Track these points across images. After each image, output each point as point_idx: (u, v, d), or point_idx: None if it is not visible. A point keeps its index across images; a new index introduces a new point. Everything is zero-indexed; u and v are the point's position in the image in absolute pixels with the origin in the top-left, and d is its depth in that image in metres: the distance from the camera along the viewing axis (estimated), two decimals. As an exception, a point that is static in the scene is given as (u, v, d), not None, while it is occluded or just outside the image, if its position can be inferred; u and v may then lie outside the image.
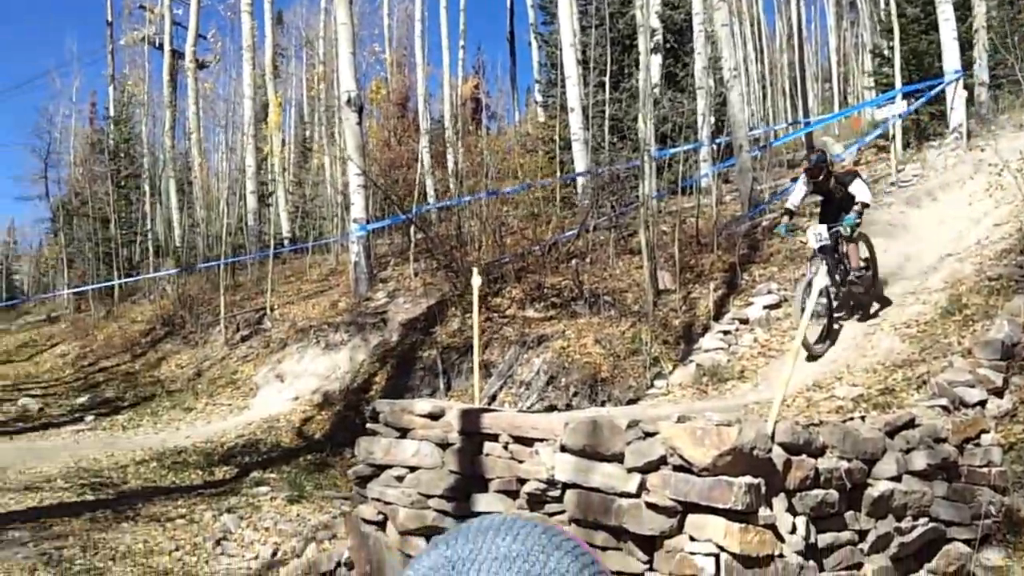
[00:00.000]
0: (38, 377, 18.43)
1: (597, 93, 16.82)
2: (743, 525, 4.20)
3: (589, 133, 16.41)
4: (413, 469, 5.95)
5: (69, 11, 75.70)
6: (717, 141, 15.80)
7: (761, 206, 13.14)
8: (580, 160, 16.26)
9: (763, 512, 4.28)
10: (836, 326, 8.89)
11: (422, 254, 15.20)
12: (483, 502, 5.51)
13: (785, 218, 9.17)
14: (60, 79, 47.34)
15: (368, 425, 6.55)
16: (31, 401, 14.95)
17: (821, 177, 8.79)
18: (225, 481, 9.66)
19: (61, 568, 6.70)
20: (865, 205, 8.72)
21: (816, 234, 8.55)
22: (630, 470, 4.62)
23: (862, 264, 8.90)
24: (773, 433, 4.51)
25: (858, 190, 8.63)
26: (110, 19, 31.21)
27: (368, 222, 15.49)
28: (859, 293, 8.94)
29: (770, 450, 4.43)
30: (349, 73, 15.64)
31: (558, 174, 16.91)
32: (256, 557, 7.28)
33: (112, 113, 30.94)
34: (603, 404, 8.67)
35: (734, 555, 4.18)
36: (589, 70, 16.95)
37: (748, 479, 4.23)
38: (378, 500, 6.17)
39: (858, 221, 8.64)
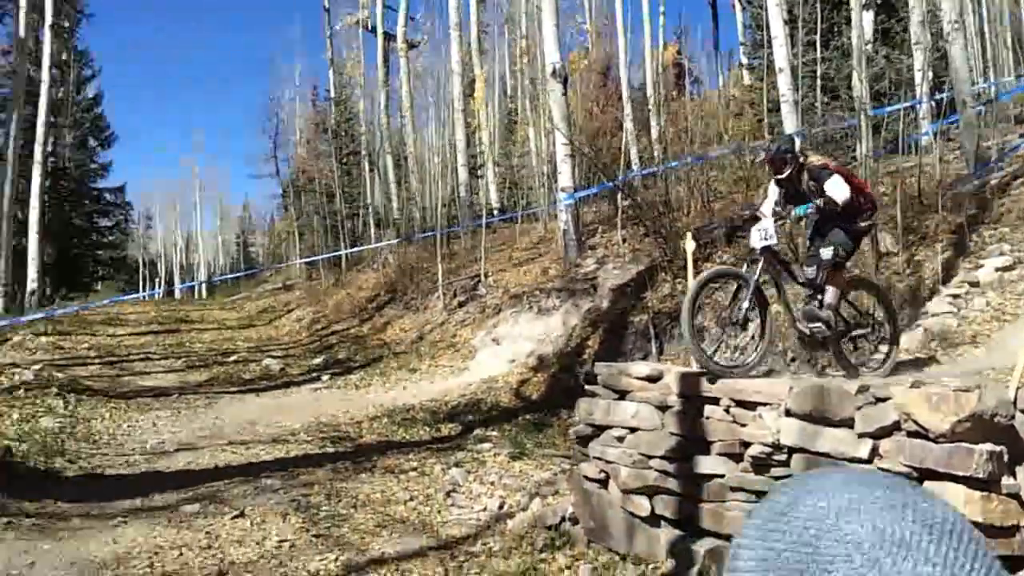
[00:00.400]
0: (278, 340, 19.89)
1: (806, 53, 16.19)
2: (985, 494, 4.11)
3: (799, 94, 15.85)
4: (633, 430, 6.08)
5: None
6: (937, 97, 14.84)
7: (988, 163, 12.30)
8: (789, 122, 15.74)
9: (1006, 481, 4.16)
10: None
11: (629, 221, 15.25)
12: (706, 464, 5.59)
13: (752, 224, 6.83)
14: (284, 65, 51.27)
15: (586, 387, 6.71)
16: (273, 362, 15.95)
17: (787, 172, 6.50)
18: (450, 437, 10.02)
19: (309, 513, 7.11)
20: (833, 201, 6.25)
21: (761, 230, 6.39)
22: (860, 435, 4.60)
23: (858, 316, 6.99)
24: (1015, 399, 4.36)
25: (833, 186, 6.30)
26: (327, 5, 33.19)
27: (575, 190, 15.73)
28: (821, 339, 6.67)
29: (1012, 417, 4.29)
30: (553, 45, 15.83)
31: (767, 136, 16.46)
32: (484, 509, 7.48)
33: (332, 95, 32.97)
34: (823, 369, 8.49)
35: (976, 524, 4.09)
36: (797, 29, 16.33)
37: (989, 446, 4.12)
38: (599, 459, 6.34)
39: (811, 211, 6.34)
